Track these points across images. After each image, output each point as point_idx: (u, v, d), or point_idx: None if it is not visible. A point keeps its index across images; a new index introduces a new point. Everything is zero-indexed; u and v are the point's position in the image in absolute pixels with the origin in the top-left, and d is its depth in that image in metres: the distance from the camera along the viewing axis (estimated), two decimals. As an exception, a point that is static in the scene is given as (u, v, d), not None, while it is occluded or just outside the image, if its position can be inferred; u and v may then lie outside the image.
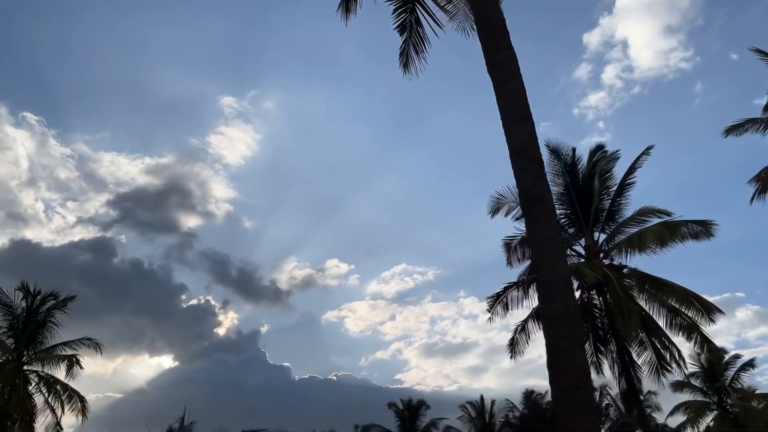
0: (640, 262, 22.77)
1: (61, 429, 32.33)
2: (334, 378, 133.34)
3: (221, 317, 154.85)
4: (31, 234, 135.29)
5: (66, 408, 31.95)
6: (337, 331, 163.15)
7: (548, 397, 40.03)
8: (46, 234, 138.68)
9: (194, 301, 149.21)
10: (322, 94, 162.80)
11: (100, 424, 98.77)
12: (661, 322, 21.45)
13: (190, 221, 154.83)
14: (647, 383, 22.37)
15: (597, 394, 41.11)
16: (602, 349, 23.39)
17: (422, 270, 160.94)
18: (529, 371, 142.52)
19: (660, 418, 42.87)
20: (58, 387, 32.24)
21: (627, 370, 21.39)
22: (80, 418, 32.85)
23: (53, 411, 31.95)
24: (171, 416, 36.58)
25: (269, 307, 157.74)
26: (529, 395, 43.00)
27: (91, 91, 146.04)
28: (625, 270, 22.32)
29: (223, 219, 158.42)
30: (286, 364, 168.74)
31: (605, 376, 24.08)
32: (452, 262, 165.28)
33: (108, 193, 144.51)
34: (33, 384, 32.40)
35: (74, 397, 32.16)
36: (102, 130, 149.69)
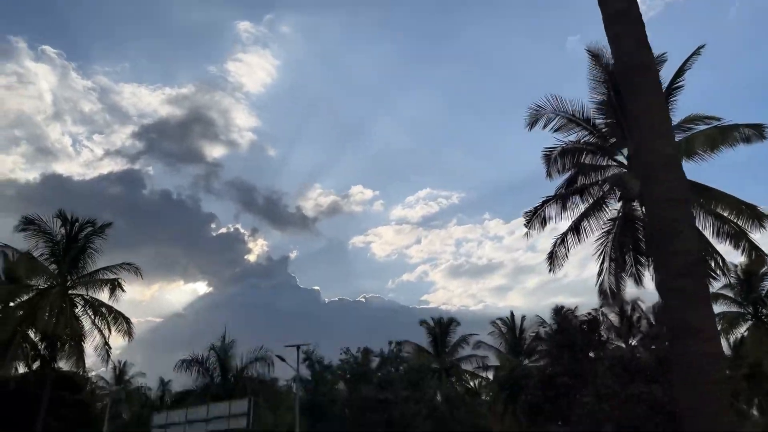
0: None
1: (110, 348, 33.80)
2: (363, 300, 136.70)
3: (251, 244, 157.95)
4: (62, 168, 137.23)
5: (112, 329, 33.22)
6: (364, 256, 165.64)
7: (578, 312, 40.46)
8: (75, 167, 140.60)
9: (224, 230, 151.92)
10: (339, 14, 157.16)
11: (144, 345, 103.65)
12: (707, 231, 20.90)
13: (214, 151, 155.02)
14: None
15: (629, 308, 41.30)
16: (642, 261, 23.08)
17: (446, 194, 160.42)
18: (555, 289, 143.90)
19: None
20: (103, 309, 33.38)
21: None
22: (127, 338, 34.27)
23: (101, 332, 33.25)
24: (209, 338, 37.81)
25: (296, 233, 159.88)
26: (559, 311, 43.33)
27: (107, 22, 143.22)
28: (669, 179, 21.57)
29: (246, 148, 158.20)
30: (316, 287, 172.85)
31: (645, 288, 23.87)
32: (477, 185, 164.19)
33: (132, 125, 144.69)
34: (79, 307, 33.59)
35: (119, 319, 33.34)
36: (121, 61, 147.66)
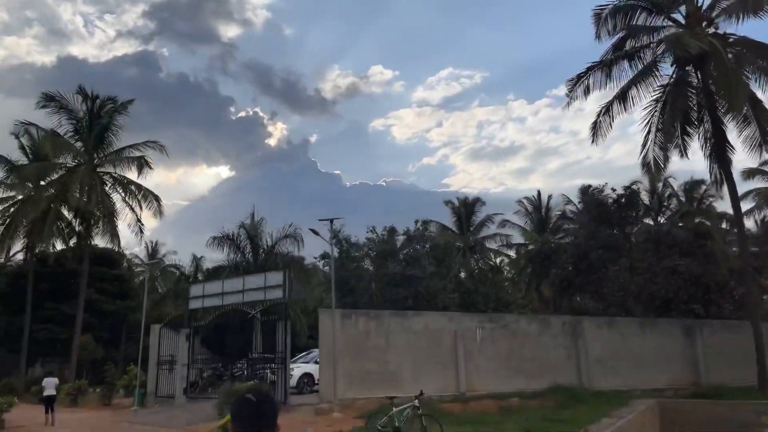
0: (748, 30, 20.21)
1: (143, 225, 34.36)
2: (384, 184, 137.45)
3: (270, 128, 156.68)
4: (76, 50, 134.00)
5: (143, 206, 33.53)
6: (384, 139, 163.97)
7: (606, 191, 40.01)
8: (90, 49, 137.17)
9: (243, 113, 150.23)
10: None
11: (173, 227, 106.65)
12: (766, 97, 19.54)
13: (229, 30, 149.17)
14: (741, 160, 21.24)
15: (660, 185, 40.40)
16: (690, 131, 21.90)
17: (469, 73, 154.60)
18: (577, 172, 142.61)
19: (723, 206, 42.33)
20: (133, 187, 33.49)
21: (720, 147, 20.05)
22: (158, 216, 34.67)
23: (132, 209, 33.63)
24: (234, 220, 38.19)
25: (316, 116, 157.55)
26: (586, 190, 42.84)
27: None
28: (730, 39, 19.85)
29: (261, 27, 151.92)
30: (337, 171, 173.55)
31: (689, 159, 22.87)
32: (501, 63, 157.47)
33: (142, 3, 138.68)
34: (108, 185, 33.73)
35: (149, 197, 33.53)
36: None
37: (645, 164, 21.53)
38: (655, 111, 21.19)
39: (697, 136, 21.47)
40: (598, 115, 21.22)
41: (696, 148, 22.26)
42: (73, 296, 34.06)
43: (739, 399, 18.15)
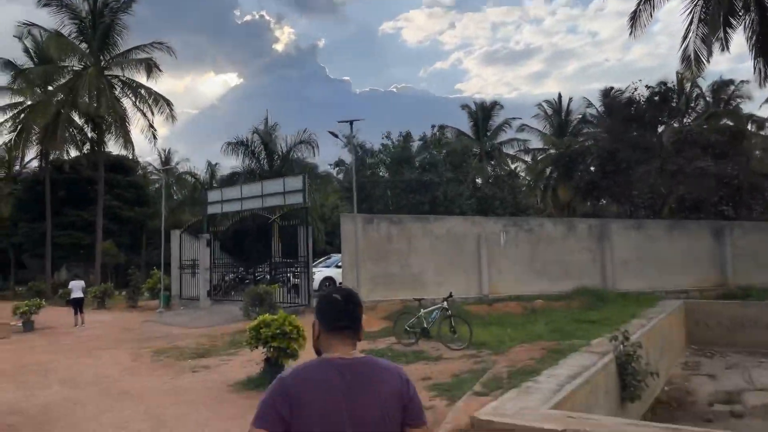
0: None
1: (155, 130, 33.62)
2: (395, 90, 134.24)
3: (277, 33, 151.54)
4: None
5: (155, 111, 32.64)
6: (395, 43, 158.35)
7: (627, 94, 38.32)
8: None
9: (248, 17, 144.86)
10: None
11: (184, 135, 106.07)
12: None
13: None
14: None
15: (688, 85, 38.70)
16: (733, 23, 20.32)
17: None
18: (593, 75, 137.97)
19: (749, 107, 40.77)
20: (143, 91, 32.48)
21: (766, 40, 18.64)
22: (170, 121, 33.80)
23: (143, 114, 32.78)
24: (245, 128, 37.36)
25: (324, 19, 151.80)
26: (608, 92, 41.06)
27: None
28: None
29: None
30: (346, 78, 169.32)
31: (730, 53, 21.42)
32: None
33: None
34: (118, 89, 32.71)
35: (160, 101, 32.56)
36: None
37: (685, 58, 20.16)
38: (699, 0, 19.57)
39: (741, 27, 19.93)
40: (638, 5, 19.66)
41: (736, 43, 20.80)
42: (91, 203, 34.07)
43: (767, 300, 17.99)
